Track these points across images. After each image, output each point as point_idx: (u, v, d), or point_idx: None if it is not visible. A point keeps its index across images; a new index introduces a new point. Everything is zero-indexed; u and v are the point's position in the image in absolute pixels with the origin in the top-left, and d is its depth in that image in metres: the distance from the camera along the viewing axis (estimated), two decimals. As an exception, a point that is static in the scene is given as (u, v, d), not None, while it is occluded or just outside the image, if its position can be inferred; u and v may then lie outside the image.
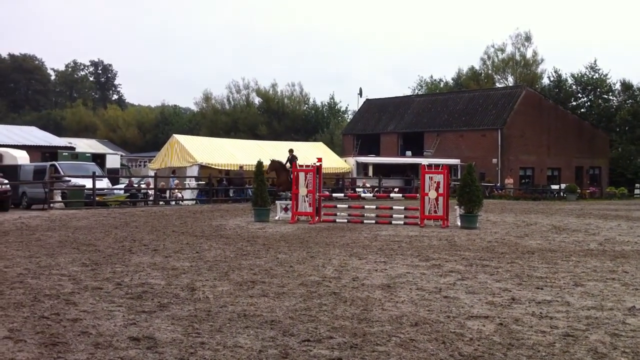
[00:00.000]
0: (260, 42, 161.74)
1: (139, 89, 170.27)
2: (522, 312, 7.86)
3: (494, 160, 50.73)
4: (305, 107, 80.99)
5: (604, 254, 13.60)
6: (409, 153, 54.61)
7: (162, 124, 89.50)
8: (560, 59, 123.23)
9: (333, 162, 43.66)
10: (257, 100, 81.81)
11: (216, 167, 37.10)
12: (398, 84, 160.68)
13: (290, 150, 31.66)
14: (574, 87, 67.11)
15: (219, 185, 36.45)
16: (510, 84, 66.19)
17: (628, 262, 12.35)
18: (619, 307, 8.27)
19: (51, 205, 26.54)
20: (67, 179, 28.98)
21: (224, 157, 38.35)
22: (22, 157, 35.36)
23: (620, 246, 15.25)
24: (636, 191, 54.40)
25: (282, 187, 29.60)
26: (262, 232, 17.49)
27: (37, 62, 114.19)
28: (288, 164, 29.25)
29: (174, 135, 41.87)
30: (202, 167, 36.71)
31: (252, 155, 36.52)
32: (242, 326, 6.95)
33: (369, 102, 64.68)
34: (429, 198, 20.24)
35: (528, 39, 70.30)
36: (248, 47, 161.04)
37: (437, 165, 21.62)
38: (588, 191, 50.98)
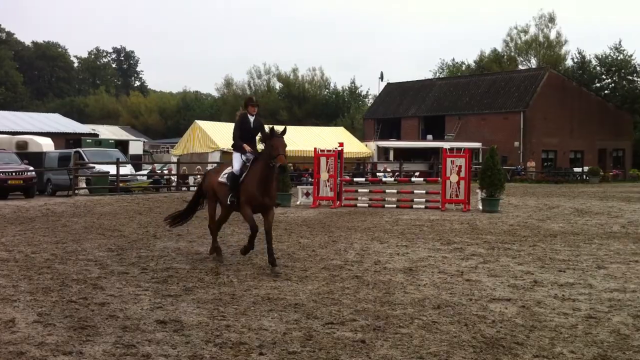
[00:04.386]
0: (281, 27, 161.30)
1: (161, 75, 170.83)
2: (545, 295, 7.89)
3: (516, 144, 50.30)
4: (326, 92, 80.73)
5: (627, 237, 13.52)
6: (430, 137, 54.32)
7: (184, 110, 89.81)
8: (584, 39, 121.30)
9: (354, 146, 43.66)
10: (278, 85, 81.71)
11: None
12: (419, 68, 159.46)
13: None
14: (597, 68, 66.02)
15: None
16: (533, 66, 65.35)
17: (652, 245, 12.26)
18: (643, 289, 8.25)
19: (76, 191, 26.87)
20: (91, 165, 29.29)
21: (245, 143, 38.50)
22: (46, 144, 35.76)
23: (645, 229, 15.12)
24: (661, 173, 53.58)
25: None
26: (283, 216, 17.60)
27: (60, 49, 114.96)
28: None
29: (195, 121, 42.17)
30: (224, 153, 36.92)
31: (273, 141, 36.56)
32: (267, 309, 7.06)
33: (389, 86, 64.34)
34: (451, 182, 20.20)
35: (552, 19, 69.21)
36: (269, 33, 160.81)
37: (458, 149, 21.54)
38: (611, 174, 50.38)
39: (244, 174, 9.69)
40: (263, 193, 9.47)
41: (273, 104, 76.61)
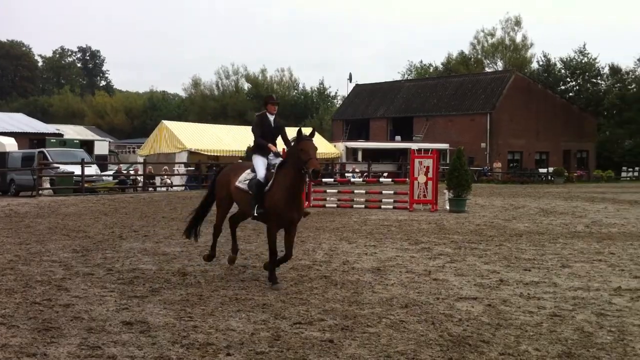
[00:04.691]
0: (250, 28, 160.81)
1: (127, 75, 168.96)
2: (510, 293, 7.98)
3: (483, 145, 50.91)
4: (294, 93, 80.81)
5: (591, 236, 13.76)
6: (398, 138, 54.68)
7: (151, 110, 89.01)
8: (550, 43, 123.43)
9: (322, 147, 43.65)
10: (246, 85, 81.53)
11: (205, 153, 37.09)
12: (388, 69, 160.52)
13: None
14: (562, 71, 67.34)
15: (208, 171, 36.42)
16: (500, 69, 66.25)
17: (614, 244, 12.52)
18: (605, 287, 8.41)
19: (40, 192, 26.43)
20: (56, 165, 28.84)
21: (213, 143, 38.32)
22: (10, 144, 35.14)
23: (607, 228, 15.43)
24: (623, 174, 54.79)
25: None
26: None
27: (24, 48, 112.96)
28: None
29: (162, 121, 41.82)
30: (191, 153, 36.69)
31: (241, 141, 36.51)
32: (234, 310, 7.02)
33: (358, 87, 64.61)
34: (418, 182, 20.34)
35: (518, 23, 70.41)
36: (238, 33, 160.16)
37: (426, 150, 21.70)
38: (575, 174, 51.32)
39: (269, 182, 8.41)
40: (291, 206, 8.30)
41: (241, 104, 76.41)
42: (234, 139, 39.60)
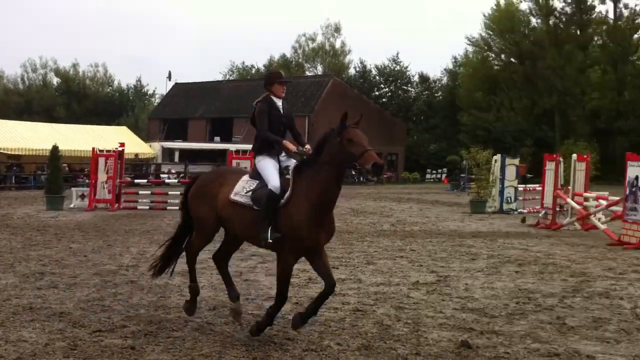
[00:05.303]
0: (62, 20, 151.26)
1: None
2: (318, 291, 8.15)
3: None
4: (109, 89, 77.45)
5: (395, 234, 14.59)
6: (217, 139, 54.31)
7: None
8: (367, 50, 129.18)
9: (137, 147, 42.31)
10: (55, 80, 76.73)
11: (5, 152, 34.34)
12: (210, 70, 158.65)
13: None
14: (377, 77, 70.91)
15: (7, 171, 33.73)
16: (320, 73, 68.32)
17: (415, 241, 13.36)
18: (405, 282, 8.92)
19: None
20: None
21: (14, 141, 35.55)
22: None
23: (410, 227, 16.45)
24: (427, 176, 58.89)
25: None
26: (54, 220, 16.47)
27: None
28: None
29: (-47, 116, 38.05)
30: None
31: (46, 139, 34.17)
32: (28, 319, 6.53)
33: (177, 86, 63.30)
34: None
35: (338, 29, 73.14)
36: (48, 25, 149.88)
37: (244, 151, 21.76)
38: (385, 176, 54.25)
39: (286, 194, 5.96)
40: (319, 225, 5.95)
41: (49, 100, 71.84)
42: (39, 137, 36.98)
